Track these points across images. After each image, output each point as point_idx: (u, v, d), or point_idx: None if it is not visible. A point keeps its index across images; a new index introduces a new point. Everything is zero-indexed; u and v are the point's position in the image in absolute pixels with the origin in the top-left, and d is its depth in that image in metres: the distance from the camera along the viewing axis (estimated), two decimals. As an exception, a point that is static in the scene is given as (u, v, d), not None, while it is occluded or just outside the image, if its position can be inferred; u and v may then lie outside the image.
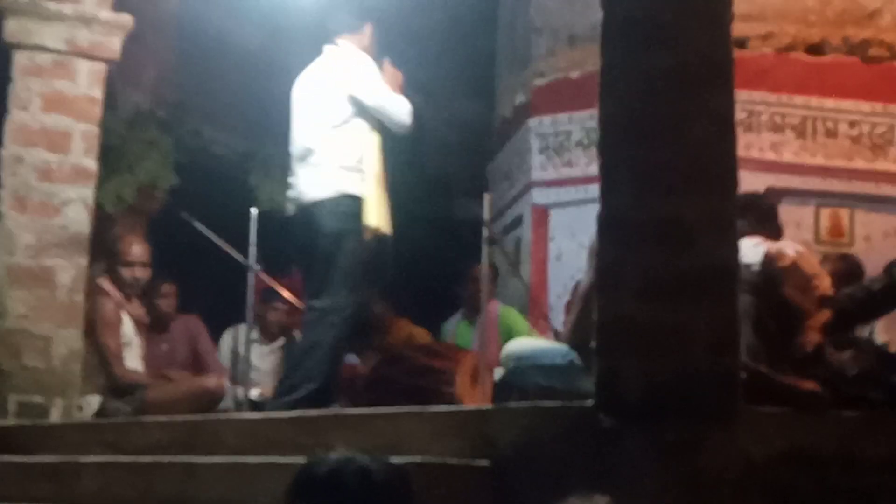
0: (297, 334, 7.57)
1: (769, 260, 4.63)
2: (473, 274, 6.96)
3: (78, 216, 5.73)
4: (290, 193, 5.70)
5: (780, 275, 4.62)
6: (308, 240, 5.54)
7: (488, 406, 4.72)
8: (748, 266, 4.42)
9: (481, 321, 6.33)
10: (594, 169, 3.90)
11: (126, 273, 6.32)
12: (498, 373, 5.44)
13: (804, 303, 4.61)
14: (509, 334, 6.66)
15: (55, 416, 5.54)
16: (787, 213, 5.53)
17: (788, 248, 4.81)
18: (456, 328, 7.66)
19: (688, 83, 3.73)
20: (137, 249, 6.40)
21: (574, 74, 8.03)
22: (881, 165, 7.54)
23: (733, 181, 3.75)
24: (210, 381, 6.32)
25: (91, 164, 5.81)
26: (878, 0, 7.70)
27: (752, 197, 5.04)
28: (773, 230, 4.97)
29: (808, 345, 4.49)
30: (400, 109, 5.67)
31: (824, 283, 4.78)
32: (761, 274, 4.56)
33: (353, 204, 5.50)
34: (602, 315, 3.72)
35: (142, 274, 6.37)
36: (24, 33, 5.76)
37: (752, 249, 4.58)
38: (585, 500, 2.39)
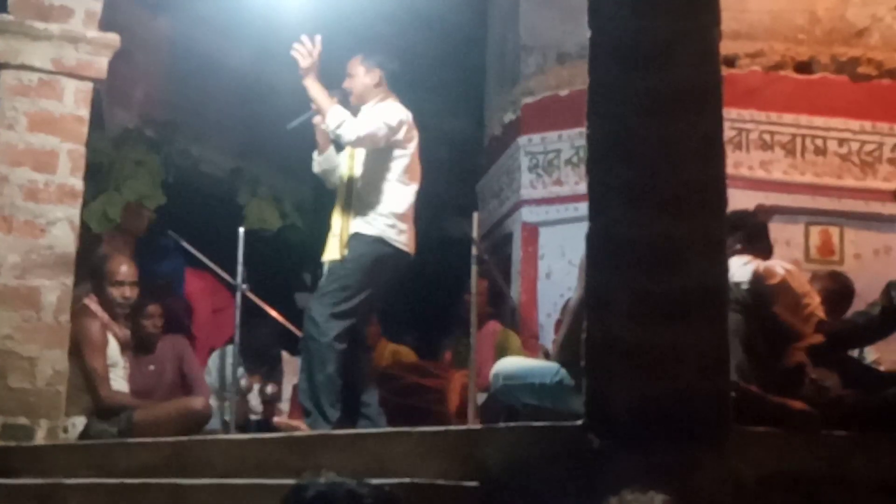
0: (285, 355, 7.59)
1: (758, 278, 4.63)
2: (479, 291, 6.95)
3: (64, 236, 5.70)
4: None
5: (769, 293, 4.61)
6: None
7: (477, 426, 4.69)
8: (737, 284, 4.42)
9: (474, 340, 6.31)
10: (584, 187, 3.88)
11: (115, 293, 6.29)
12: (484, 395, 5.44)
13: (794, 322, 4.60)
14: (503, 355, 6.64)
15: (40, 438, 5.49)
16: (777, 230, 5.53)
17: (778, 266, 4.80)
18: (455, 346, 7.63)
19: (676, 102, 3.71)
20: (126, 269, 6.37)
21: (563, 92, 8.04)
22: (871, 183, 7.53)
23: (722, 200, 3.74)
24: (197, 402, 6.28)
25: (77, 183, 5.77)
26: (866, 18, 7.72)
27: (742, 215, 5.04)
28: (763, 249, 4.96)
29: (790, 363, 4.48)
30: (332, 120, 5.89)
31: (814, 302, 4.77)
32: (750, 292, 4.55)
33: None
34: (591, 334, 3.70)
35: (131, 293, 6.34)
36: (10, 52, 5.73)
37: (741, 268, 4.57)
38: (640, 495, 2.36)
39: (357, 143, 5.90)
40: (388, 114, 5.94)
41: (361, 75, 6.09)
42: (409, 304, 9.19)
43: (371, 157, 5.97)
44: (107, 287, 6.30)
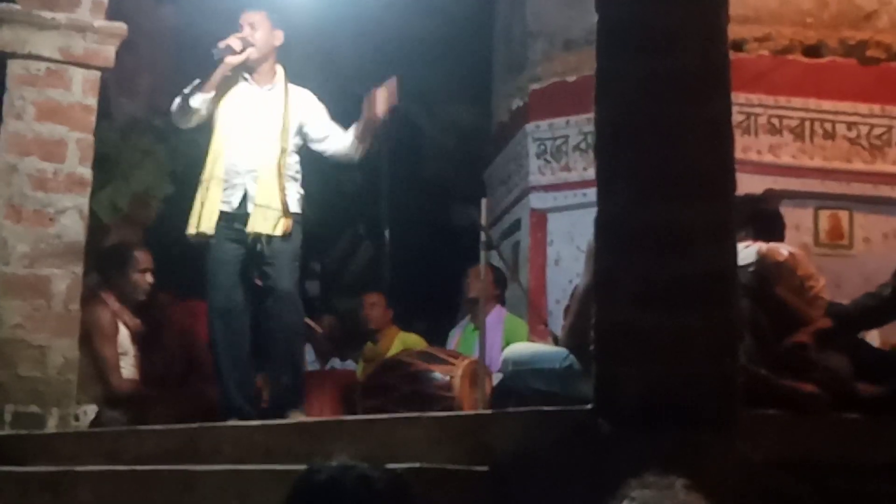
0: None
1: (762, 258, 4.63)
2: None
3: (73, 225, 5.72)
4: None
5: (773, 273, 4.61)
6: None
7: (487, 412, 4.70)
8: (744, 267, 4.41)
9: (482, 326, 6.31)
10: (592, 173, 3.87)
11: (140, 280, 6.31)
12: (497, 378, 5.43)
13: (798, 304, 4.60)
14: (510, 342, 6.65)
15: (51, 426, 5.52)
16: (786, 215, 5.50)
17: (782, 248, 4.80)
18: (462, 332, 7.64)
19: (684, 86, 3.71)
20: (145, 256, 6.41)
21: (571, 78, 8.03)
22: (880, 167, 7.53)
23: (731, 185, 3.73)
24: (207, 390, 6.29)
25: (86, 172, 5.79)
26: (874, 2, 7.70)
27: (758, 205, 5.04)
28: (776, 237, 4.97)
29: (790, 342, 4.47)
30: None
31: (818, 285, 4.76)
32: (756, 273, 4.55)
33: None
34: (600, 320, 3.70)
35: (152, 280, 6.38)
36: (17, 42, 5.75)
37: (744, 251, 4.57)
38: (662, 480, 2.36)
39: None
40: (316, 102, 6.01)
41: (267, 31, 5.89)
42: (418, 292, 9.21)
43: (299, 137, 5.94)
44: (132, 274, 6.31)
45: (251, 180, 5.74)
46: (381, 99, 5.84)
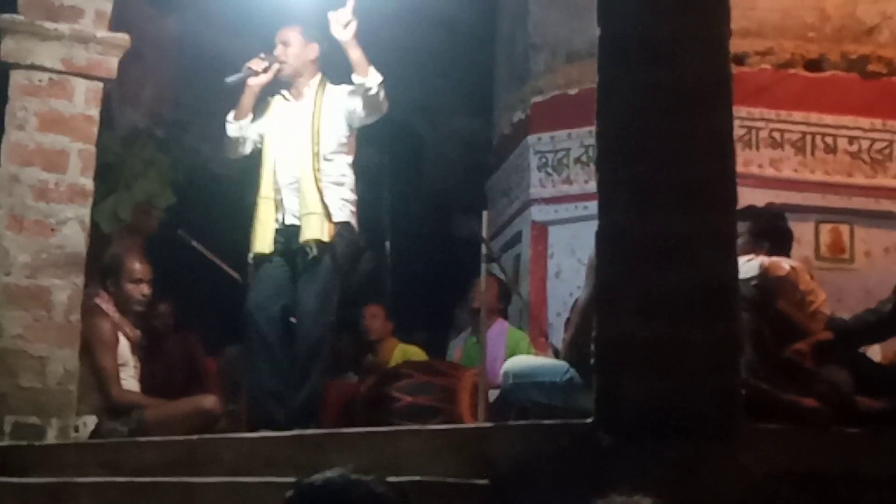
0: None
1: (764, 272, 4.64)
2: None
3: (74, 235, 5.71)
4: None
5: (775, 287, 4.62)
6: None
7: (487, 424, 4.69)
8: (746, 281, 4.42)
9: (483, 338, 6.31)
10: (593, 186, 3.88)
11: (133, 290, 6.30)
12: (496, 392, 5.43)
13: (799, 317, 4.61)
14: (513, 354, 6.65)
15: (51, 437, 5.50)
16: (787, 229, 5.54)
17: (784, 262, 4.81)
18: (464, 344, 7.64)
19: (686, 100, 3.72)
20: (141, 267, 6.39)
21: (572, 91, 8.04)
22: (881, 181, 7.53)
23: (732, 197, 3.74)
24: (207, 401, 6.29)
25: (88, 183, 5.79)
26: (876, 16, 7.71)
27: (777, 221, 5.07)
28: (786, 254, 5.00)
29: (787, 354, 4.47)
30: None
31: (819, 299, 4.77)
32: (758, 287, 4.56)
33: None
34: (601, 332, 3.70)
35: (147, 291, 6.36)
36: (20, 52, 5.75)
37: (746, 264, 4.57)
38: (628, 499, 2.36)
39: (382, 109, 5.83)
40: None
41: (299, 47, 5.94)
42: (418, 303, 9.21)
43: (337, 139, 5.87)
44: (124, 284, 6.30)
45: (293, 193, 5.80)
46: (334, 21, 5.76)
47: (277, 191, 5.85)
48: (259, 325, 5.72)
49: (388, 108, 5.90)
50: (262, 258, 5.82)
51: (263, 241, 5.79)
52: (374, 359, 8.32)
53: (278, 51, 5.94)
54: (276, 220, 5.83)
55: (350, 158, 5.94)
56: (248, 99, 5.95)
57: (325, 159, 5.82)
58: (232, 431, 5.93)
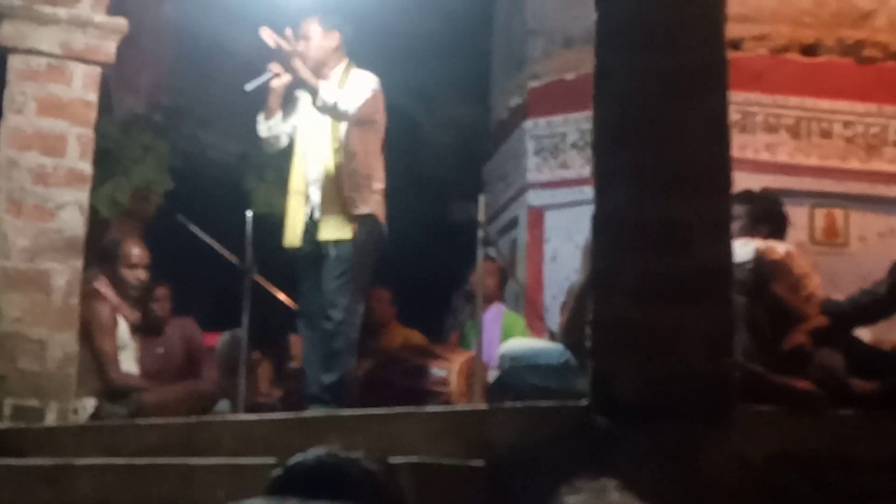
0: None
1: (759, 256, 4.66)
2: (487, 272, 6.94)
3: (73, 220, 5.73)
4: None
5: (770, 271, 4.64)
6: None
7: (483, 406, 4.72)
8: (741, 265, 4.44)
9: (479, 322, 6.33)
10: (589, 170, 3.90)
11: (129, 275, 6.32)
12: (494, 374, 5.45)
13: (794, 301, 4.63)
14: (508, 337, 6.66)
15: (50, 420, 5.53)
16: (782, 213, 5.56)
17: (779, 246, 4.83)
18: (461, 328, 7.66)
19: (682, 85, 3.73)
20: (138, 252, 6.42)
21: (569, 76, 8.05)
22: (876, 166, 7.55)
23: (728, 182, 3.76)
24: (205, 384, 6.32)
25: (86, 167, 5.81)
26: (872, 1, 7.71)
27: (776, 206, 5.09)
28: (782, 238, 5.02)
29: (790, 345, 4.50)
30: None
31: (813, 283, 4.79)
32: (753, 271, 4.58)
33: None
34: (597, 316, 3.72)
35: (144, 276, 6.39)
36: (18, 37, 5.75)
37: (741, 248, 4.59)
38: (593, 483, 2.37)
39: (353, 115, 5.72)
40: (370, 83, 5.82)
41: (319, 38, 5.89)
42: (417, 288, 9.22)
43: (357, 129, 5.80)
44: (120, 269, 6.33)
45: (318, 188, 5.81)
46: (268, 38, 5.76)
47: (306, 185, 5.85)
48: (308, 319, 5.83)
49: (353, 112, 5.75)
50: (294, 252, 5.86)
51: (293, 234, 5.83)
52: (376, 343, 8.33)
53: (300, 46, 5.85)
54: (305, 214, 5.84)
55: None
56: (273, 100, 5.91)
57: (348, 150, 5.79)
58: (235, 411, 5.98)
